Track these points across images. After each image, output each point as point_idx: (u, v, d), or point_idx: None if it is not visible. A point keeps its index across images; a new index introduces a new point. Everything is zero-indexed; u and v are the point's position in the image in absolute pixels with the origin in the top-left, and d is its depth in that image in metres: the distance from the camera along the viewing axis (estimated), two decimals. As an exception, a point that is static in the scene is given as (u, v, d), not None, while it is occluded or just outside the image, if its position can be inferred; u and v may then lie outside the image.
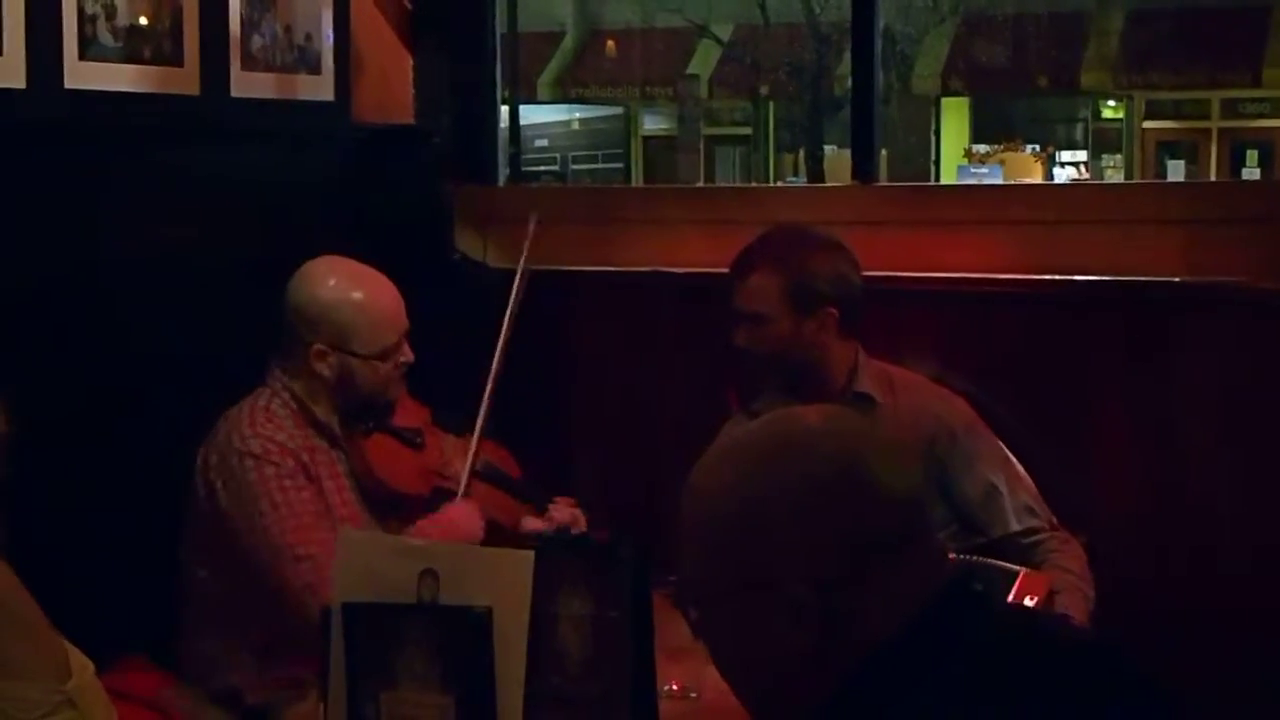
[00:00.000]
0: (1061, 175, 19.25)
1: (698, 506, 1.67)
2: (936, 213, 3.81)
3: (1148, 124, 20.71)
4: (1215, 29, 18.05)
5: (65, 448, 3.11)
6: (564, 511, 3.23)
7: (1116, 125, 21.18)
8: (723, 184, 17.34)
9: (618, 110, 23.20)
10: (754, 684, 1.68)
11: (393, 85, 4.12)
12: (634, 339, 3.98)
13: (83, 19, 3.29)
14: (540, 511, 3.23)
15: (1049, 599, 2.81)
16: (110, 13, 3.34)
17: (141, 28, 3.42)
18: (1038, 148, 19.92)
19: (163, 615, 3.10)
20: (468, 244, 4.17)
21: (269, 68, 3.71)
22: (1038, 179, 17.26)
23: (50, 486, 3.01)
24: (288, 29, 3.75)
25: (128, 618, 3.03)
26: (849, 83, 4.28)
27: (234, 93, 3.61)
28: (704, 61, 20.82)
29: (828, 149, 18.65)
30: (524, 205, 3.72)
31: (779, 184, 18.59)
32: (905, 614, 1.57)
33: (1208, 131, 20.35)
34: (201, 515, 3.04)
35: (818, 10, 18.81)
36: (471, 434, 3.25)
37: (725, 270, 3.19)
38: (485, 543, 3.00)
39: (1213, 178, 18.91)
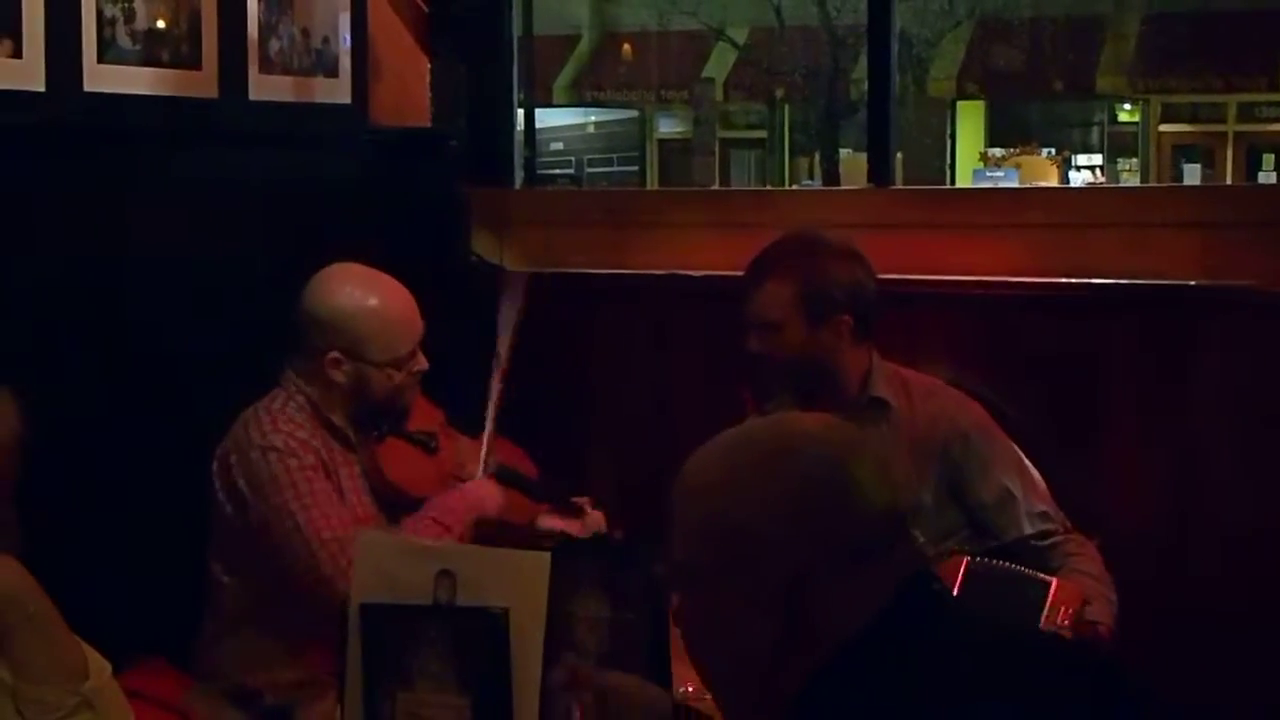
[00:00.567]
0: (1077, 179, 19.14)
1: (686, 494, 1.72)
2: (952, 216, 3.81)
3: (1163, 128, 20.63)
4: (1231, 33, 17.96)
5: (82, 449, 3.13)
6: (596, 518, 3.24)
7: (1132, 129, 21.09)
8: (738, 187, 17.30)
9: (633, 113, 23.14)
10: (719, 674, 1.73)
11: (409, 88, 4.13)
12: (649, 341, 3.99)
13: (101, 22, 3.31)
14: (567, 511, 3.24)
15: (1081, 608, 2.83)
16: (129, 16, 3.36)
17: (160, 31, 3.43)
18: (1053, 151, 19.82)
19: (179, 616, 3.11)
20: (484, 246, 4.18)
21: (286, 71, 3.72)
22: (1053, 182, 17.19)
23: (66, 488, 3.03)
24: (305, 32, 3.76)
25: (145, 619, 3.04)
26: (864, 86, 4.29)
27: (252, 96, 3.63)
28: (719, 65, 20.76)
29: (843, 152, 18.57)
30: (540, 209, 3.72)
31: (794, 187, 18.52)
32: (868, 613, 1.62)
33: (1224, 135, 20.26)
34: (223, 515, 3.04)
35: (834, 14, 18.75)
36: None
37: (740, 273, 3.19)
38: (501, 543, 3.00)
39: (1228, 181, 18.82)
